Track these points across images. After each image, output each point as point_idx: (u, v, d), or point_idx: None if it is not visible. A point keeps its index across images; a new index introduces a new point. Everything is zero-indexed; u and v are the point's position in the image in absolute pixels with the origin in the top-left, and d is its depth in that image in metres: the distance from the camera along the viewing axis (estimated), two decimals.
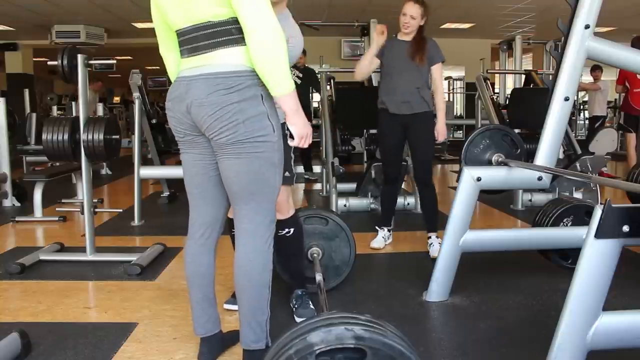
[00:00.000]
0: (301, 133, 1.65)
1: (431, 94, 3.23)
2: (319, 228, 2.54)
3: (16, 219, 4.35)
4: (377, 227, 3.52)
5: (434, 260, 2.56)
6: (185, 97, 1.64)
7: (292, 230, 2.26)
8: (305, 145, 1.69)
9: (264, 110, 1.63)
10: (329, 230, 2.58)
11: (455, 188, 2.54)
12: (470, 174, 2.46)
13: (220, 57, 1.60)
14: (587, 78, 8.06)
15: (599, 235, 1.38)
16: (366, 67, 3.24)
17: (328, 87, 5.52)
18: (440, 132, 3.20)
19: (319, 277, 2.29)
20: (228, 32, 1.59)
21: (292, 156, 2.24)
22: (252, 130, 1.61)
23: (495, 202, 4.85)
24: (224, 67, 1.60)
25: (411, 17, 3.09)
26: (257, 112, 1.61)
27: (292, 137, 1.66)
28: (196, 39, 1.62)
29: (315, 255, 2.49)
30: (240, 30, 1.59)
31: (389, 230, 3.49)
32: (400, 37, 3.21)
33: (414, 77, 3.13)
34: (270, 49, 1.52)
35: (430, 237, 3.29)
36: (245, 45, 1.60)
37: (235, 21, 1.59)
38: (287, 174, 2.18)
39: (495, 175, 2.52)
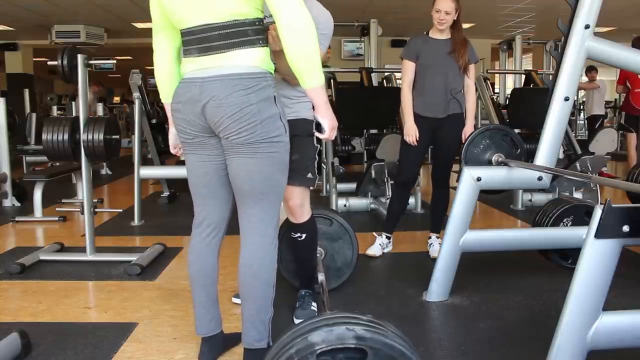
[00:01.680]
0: (332, 125, 1.70)
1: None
2: (323, 228, 2.52)
3: (16, 219, 4.35)
4: (375, 234, 3.37)
5: (434, 260, 2.56)
6: (200, 99, 1.63)
7: (304, 235, 2.24)
8: (333, 137, 1.75)
9: (277, 111, 1.65)
10: (332, 231, 2.58)
11: (455, 188, 2.54)
12: (470, 174, 2.46)
13: (235, 58, 1.60)
14: (583, 78, 8.08)
15: (599, 235, 1.39)
16: (410, 95, 3.06)
17: (328, 87, 5.52)
18: (467, 135, 2.95)
19: (321, 277, 2.29)
20: (244, 33, 1.60)
21: (316, 157, 2.22)
22: (268, 131, 1.63)
23: (495, 202, 4.85)
24: (240, 68, 1.60)
25: (446, 12, 2.92)
26: (272, 113, 1.63)
27: (319, 130, 1.70)
28: (208, 39, 1.61)
29: (317, 255, 2.49)
30: (255, 32, 1.61)
31: (388, 238, 3.33)
32: (433, 34, 3.04)
33: (449, 78, 2.98)
34: (304, 43, 1.54)
35: (430, 237, 3.28)
36: (260, 47, 1.62)
37: (251, 22, 1.60)
38: (309, 175, 2.17)
39: (495, 175, 2.52)
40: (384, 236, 3.32)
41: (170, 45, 1.78)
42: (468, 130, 3.01)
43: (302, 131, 2.15)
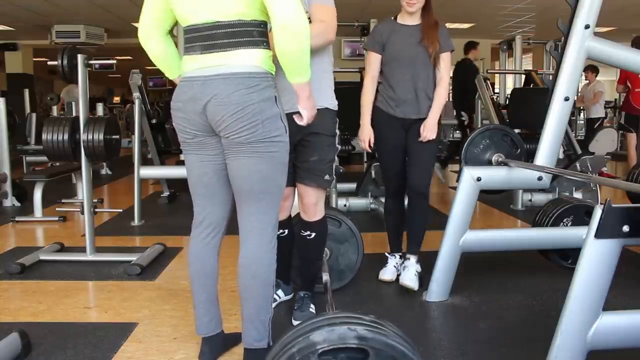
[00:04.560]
0: (310, 115, 1.75)
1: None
2: (331, 229, 2.50)
3: (16, 219, 4.35)
4: (387, 254, 2.88)
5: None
6: (201, 97, 1.64)
7: (313, 234, 2.23)
8: (308, 123, 1.77)
9: (278, 111, 1.67)
10: (340, 234, 2.58)
11: (455, 188, 2.54)
12: (470, 174, 2.46)
13: (238, 57, 1.62)
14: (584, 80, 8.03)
15: (599, 235, 1.39)
16: (371, 91, 2.65)
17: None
18: (427, 128, 2.52)
19: (325, 277, 2.28)
20: (249, 34, 1.62)
21: (335, 158, 2.21)
22: (269, 130, 1.64)
23: (495, 202, 4.85)
24: (242, 67, 1.62)
25: None
26: (273, 113, 1.65)
27: (301, 117, 1.75)
28: (213, 37, 1.62)
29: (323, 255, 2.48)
30: (260, 34, 1.64)
31: (401, 257, 2.83)
32: (401, 20, 2.59)
33: (418, 71, 2.54)
34: (299, 45, 1.56)
35: (408, 259, 2.69)
36: (263, 48, 1.65)
37: (257, 24, 1.63)
38: (326, 177, 2.16)
39: (495, 175, 2.52)
40: (397, 256, 2.85)
41: (161, 35, 1.80)
42: (429, 124, 2.53)
43: (323, 128, 2.10)
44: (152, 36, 1.80)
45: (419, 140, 2.56)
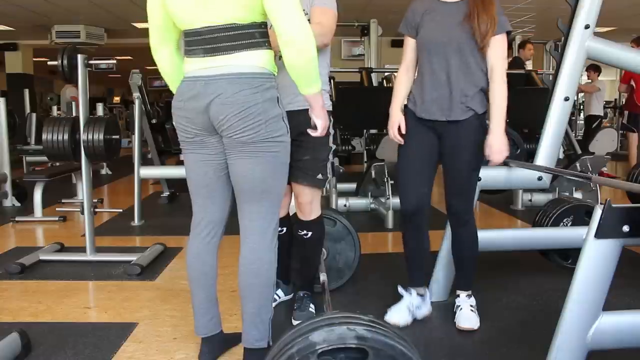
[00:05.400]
0: (325, 125, 1.76)
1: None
2: (327, 229, 2.48)
3: (16, 219, 4.36)
4: (400, 288, 2.31)
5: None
6: (204, 96, 1.64)
7: (310, 233, 2.23)
8: (323, 134, 1.79)
9: (280, 112, 1.68)
10: (336, 232, 2.58)
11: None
12: None
13: (242, 59, 1.63)
14: (584, 79, 8.01)
15: (599, 235, 1.38)
16: (405, 82, 2.22)
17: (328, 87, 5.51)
18: (494, 148, 2.03)
19: (323, 277, 2.28)
20: (251, 36, 1.63)
21: (329, 158, 2.20)
22: (272, 131, 1.65)
23: (495, 202, 4.85)
24: (246, 68, 1.63)
25: None
26: (275, 114, 1.66)
27: (314, 128, 1.77)
28: (216, 40, 1.62)
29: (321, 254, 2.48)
30: (262, 35, 1.65)
31: (419, 295, 2.28)
32: None
33: (457, 59, 2.03)
34: (304, 55, 1.57)
35: (459, 296, 2.29)
36: (266, 49, 1.66)
37: (258, 25, 1.64)
38: (319, 176, 2.16)
39: (495, 175, 2.52)
40: (413, 293, 2.28)
41: (169, 46, 1.79)
42: (494, 142, 2.03)
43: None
44: (157, 50, 1.81)
45: (458, 149, 2.10)
